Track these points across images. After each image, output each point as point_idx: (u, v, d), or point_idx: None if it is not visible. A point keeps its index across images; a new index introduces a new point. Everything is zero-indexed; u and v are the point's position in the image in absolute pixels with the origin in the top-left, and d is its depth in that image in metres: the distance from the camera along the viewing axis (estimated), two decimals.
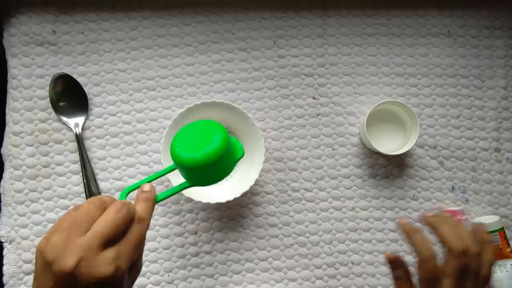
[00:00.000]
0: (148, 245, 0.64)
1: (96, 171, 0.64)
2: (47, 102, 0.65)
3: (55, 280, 0.33)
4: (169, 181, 0.59)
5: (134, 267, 0.38)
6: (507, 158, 0.68)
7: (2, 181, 0.64)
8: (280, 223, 0.66)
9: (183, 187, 0.46)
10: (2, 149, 0.64)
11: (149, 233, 0.64)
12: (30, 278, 0.62)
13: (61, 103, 0.64)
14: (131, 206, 0.37)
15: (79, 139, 0.64)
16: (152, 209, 0.40)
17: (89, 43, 0.66)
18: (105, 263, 0.33)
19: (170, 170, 0.46)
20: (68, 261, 0.33)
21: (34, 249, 0.62)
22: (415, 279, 0.44)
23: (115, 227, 0.35)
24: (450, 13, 0.70)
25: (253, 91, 0.68)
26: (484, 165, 0.68)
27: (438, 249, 0.47)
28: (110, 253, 0.34)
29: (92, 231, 0.34)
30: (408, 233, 0.45)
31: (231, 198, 0.59)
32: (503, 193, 0.67)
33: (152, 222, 0.64)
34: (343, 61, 0.69)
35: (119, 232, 0.35)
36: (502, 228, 0.64)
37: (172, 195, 0.44)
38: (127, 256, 0.35)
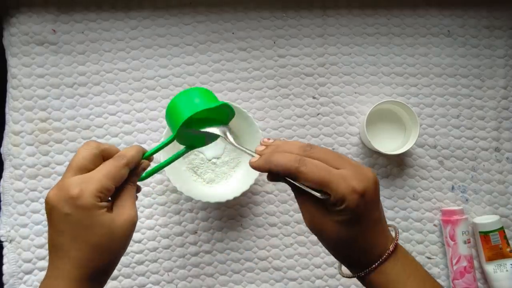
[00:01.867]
0: (148, 244, 0.64)
1: None
2: (47, 102, 0.65)
3: (47, 217, 0.41)
4: (168, 180, 0.59)
5: (121, 208, 0.42)
6: (507, 158, 0.68)
7: (2, 180, 0.64)
8: (280, 222, 0.66)
9: (180, 153, 0.46)
10: (2, 148, 0.64)
11: (149, 233, 0.64)
12: (30, 278, 0.62)
13: None
14: (103, 144, 0.43)
15: None
16: (136, 155, 0.44)
17: (89, 43, 0.66)
18: (71, 185, 0.39)
19: (169, 141, 0.45)
20: (49, 193, 0.40)
21: (34, 249, 0.62)
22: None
23: (82, 158, 0.41)
24: (450, 12, 0.70)
25: (253, 91, 0.68)
26: (484, 165, 0.68)
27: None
28: (77, 178, 0.40)
29: (68, 166, 0.41)
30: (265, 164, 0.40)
31: (231, 197, 0.59)
32: (503, 192, 0.67)
33: (152, 221, 0.64)
34: (343, 61, 0.69)
35: (86, 163, 0.41)
36: (502, 227, 0.64)
37: (170, 162, 0.46)
38: (94, 181, 0.39)
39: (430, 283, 0.41)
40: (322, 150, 0.39)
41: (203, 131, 0.44)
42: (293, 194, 0.66)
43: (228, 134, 0.44)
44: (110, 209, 0.41)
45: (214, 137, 0.46)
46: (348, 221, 0.38)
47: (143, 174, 0.46)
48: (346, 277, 0.43)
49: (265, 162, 0.39)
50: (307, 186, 0.38)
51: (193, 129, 0.44)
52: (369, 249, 0.40)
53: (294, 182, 0.38)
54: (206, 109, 0.43)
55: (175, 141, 0.46)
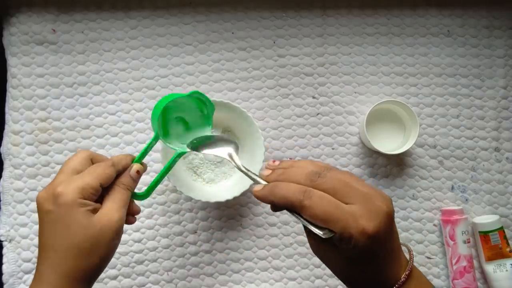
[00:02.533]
0: (147, 244, 0.64)
1: None
2: (46, 101, 0.65)
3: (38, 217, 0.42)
4: (168, 180, 0.59)
5: (105, 210, 0.41)
6: (507, 158, 0.68)
7: (1, 179, 0.64)
8: (279, 222, 0.66)
9: (172, 160, 0.47)
10: (1, 148, 0.64)
11: (148, 232, 0.64)
12: (29, 277, 0.62)
13: None
14: (94, 153, 0.45)
15: None
16: (123, 157, 0.45)
17: (89, 42, 0.66)
18: (57, 183, 0.40)
19: (152, 141, 0.46)
20: (38, 193, 0.42)
21: (33, 248, 0.62)
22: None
23: (73, 161, 0.43)
24: (449, 12, 0.70)
25: (253, 90, 0.68)
26: (483, 165, 0.68)
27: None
28: (64, 177, 0.41)
29: (60, 169, 0.43)
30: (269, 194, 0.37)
31: (230, 197, 0.59)
32: (502, 192, 0.67)
33: (152, 221, 0.64)
34: (343, 61, 0.69)
35: (77, 166, 0.42)
36: (502, 227, 0.64)
37: (166, 171, 0.47)
38: (78, 179, 0.40)
39: None
40: (332, 179, 0.35)
41: (209, 153, 0.45)
42: None
43: (233, 156, 0.43)
44: (96, 210, 0.41)
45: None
46: (358, 259, 0.36)
47: (144, 191, 0.46)
48: None
49: (269, 193, 0.36)
50: (312, 223, 0.35)
51: (201, 151, 0.45)
52: (382, 280, 0.37)
53: (298, 218, 0.35)
54: (182, 107, 0.47)
55: (169, 149, 0.47)
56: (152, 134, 0.63)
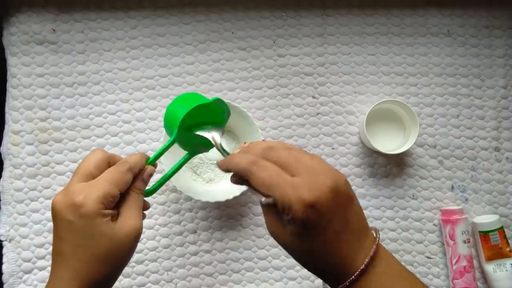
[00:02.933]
0: (147, 244, 0.64)
1: None
2: (46, 101, 0.65)
3: (52, 221, 0.41)
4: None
5: (124, 218, 0.41)
6: (507, 157, 0.68)
7: (1, 179, 0.64)
8: None
9: (183, 160, 0.47)
10: (1, 147, 0.64)
11: (148, 232, 0.64)
12: (29, 277, 0.62)
13: None
14: (108, 153, 0.43)
15: None
16: (139, 160, 0.44)
17: (88, 42, 0.66)
18: (76, 192, 0.39)
19: (170, 144, 0.46)
20: (54, 198, 0.40)
21: (33, 248, 0.62)
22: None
23: (88, 164, 0.41)
24: (449, 12, 0.70)
25: (253, 90, 0.68)
26: (483, 164, 0.68)
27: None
28: (82, 184, 0.40)
29: (75, 171, 0.41)
30: (228, 165, 0.39)
31: (230, 196, 0.59)
32: (502, 192, 0.67)
33: (152, 221, 0.64)
34: (343, 60, 0.69)
35: (91, 169, 0.41)
36: (502, 227, 0.64)
37: (174, 171, 0.47)
38: (98, 188, 0.39)
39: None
40: (283, 153, 0.36)
41: (197, 134, 0.45)
42: None
43: (216, 138, 0.44)
44: (114, 217, 0.41)
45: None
46: (301, 234, 0.35)
47: (150, 188, 0.46)
48: None
49: (226, 162, 0.39)
50: (257, 191, 0.36)
51: (191, 133, 0.45)
52: (338, 263, 0.36)
53: (247, 186, 0.37)
54: (202, 111, 0.44)
55: (177, 150, 0.47)
56: (164, 134, 0.63)
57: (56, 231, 0.41)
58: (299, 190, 0.34)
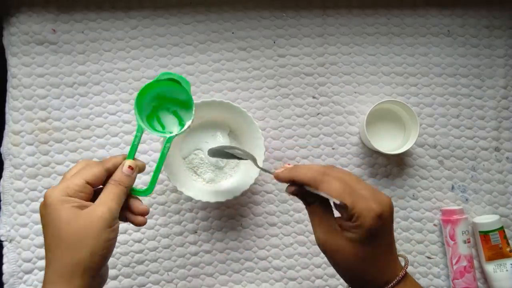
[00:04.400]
0: (147, 244, 0.64)
1: None
2: (47, 101, 0.65)
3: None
4: (168, 180, 0.59)
5: (95, 205, 0.42)
6: (507, 157, 0.68)
7: (2, 180, 0.64)
8: (279, 222, 0.66)
9: (167, 140, 0.49)
10: (2, 147, 0.64)
11: (149, 232, 0.64)
12: (29, 277, 0.62)
13: None
14: (93, 161, 0.46)
15: None
16: (113, 157, 0.47)
17: (89, 42, 0.66)
18: (48, 190, 0.42)
19: (139, 132, 0.48)
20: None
21: (34, 248, 0.62)
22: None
23: (70, 170, 0.45)
24: (449, 12, 0.70)
25: (253, 90, 0.68)
26: (484, 164, 0.68)
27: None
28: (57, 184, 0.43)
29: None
30: (288, 176, 0.43)
31: (231, 197, 0.59)
32: (502, 192, 0.67)
33: (152, 221, 0.64)
34: (343, 60, 0.69)
35: (71, 173, 0.44)
36: (502, 227, 0.64)
37: (160, 164, 0.49)
38: (65, 182, 0.42)
39: None
40: (342, 171, 0.42)
41: (233, 155, 0.51)
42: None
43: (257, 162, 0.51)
44: (85, 207, 0.42)
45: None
46: (362, 240, 0.39)
47: (147, 187, 0.48)
48: None
49: (290, 172, 0.42)
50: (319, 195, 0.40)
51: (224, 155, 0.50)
52: (379, 273, 0.40)
53: (317, 192, 0.40)
54: (161, 90, 0.50)
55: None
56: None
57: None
58: (368, 201, 0.38)
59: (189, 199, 0.65)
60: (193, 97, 0.51)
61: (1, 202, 0.63)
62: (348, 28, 0.69)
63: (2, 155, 0.65)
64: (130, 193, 0.47)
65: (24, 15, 0.65)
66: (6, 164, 0.64)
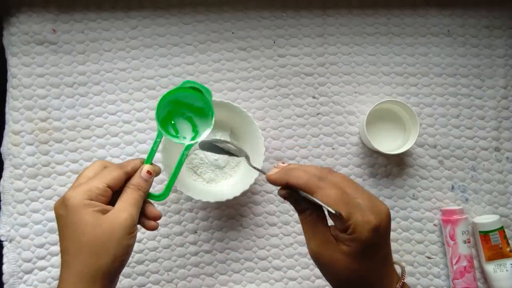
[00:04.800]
0: (147, 244, 0.64)
1: None
2: (47, 101, 0.65)
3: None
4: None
5: (115, 211, 0.42)
6: (507, 157, 0.68)
7: (2, 180, 0.64)
8: (279, 222, 0.66)
9: (186, 147, 0.49)
10: (2, 147, 0.64)
11: (149, 232, 0.64)
12: (29, 277, 0.62)
13: None
14: (110, 163, 0.47)
15: None
16: (132, 161, 0.47)
17: (89, 42, 0.66)
18: (68, 191, 0.42)
19: (158, 138, 0.48)
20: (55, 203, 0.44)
21: (34, 248, 0.62)
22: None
23: (86, 170, 0.45)
24: (449, 12, 0.70)
25: (253, 90, 0.68)
26: (484, 164, 0.68)
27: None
28: (74, 185, 0.43)
29: None
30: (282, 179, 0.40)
31: (231, 197, 0.59)
32: (502, 192, 0.67)
33: None
34: (343, 60, 0.69)
35: (88, 175, 0.44)
36: (502, 227, 0.64)
37: (178, 168, 0.48)
38: (87, 185, 0.42)
39: None
40: (340, 176, 0.39)
41: (225, 150, 0.48)
42: None
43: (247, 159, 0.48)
44: (106, 212, 0.42)
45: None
46: (358, 253, 0.37)
47: (162, 192, 0.48)
48: None
49: (285, 174, 0.39)
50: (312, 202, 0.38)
51: (216, 149, 0.48)
52: (375, 286, 0.38)
53: (311, 197, 0.38)
54: (181, 98, 0.50)
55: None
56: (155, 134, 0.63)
57: (58, 231, 0.42)
58: (365, 212, 0.36)
59: (189, 199, 0.65)
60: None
61: (1, 202, 0.63)
62: (348, 28, 0.69)
63: (2, 155, 0.65)
64: (145, 198, 0.47)
65: (24, 15, 0.65)
66: (6, 164, 0.64)
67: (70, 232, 0.41)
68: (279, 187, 0.41)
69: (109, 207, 0.43)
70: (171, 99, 0.50)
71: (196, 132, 0.51)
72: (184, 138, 0.50)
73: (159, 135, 0.48)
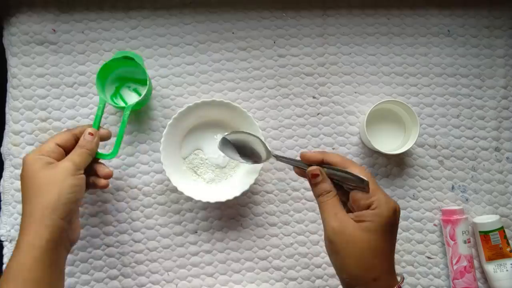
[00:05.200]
0: (148, 244, 0.64)
1: None
2: (47, 101, 0.65)
3: None
4: (168, 180, 0.59)
5: (59, 162, 0.50)
6: (507, 157, 0.68)
7: (2, 180, 0.64)
8: (280, 222, 0.66)
9: (128, 109, 0.57)
10: (2, 148, 0.64)
11: (149, 232, 0.64)
12: None
13: None
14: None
15: None
16: (80, 126, 0.56)
17: (89, 42, 0.66)
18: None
19: (101, 104, 0.56)
20: None
21: None
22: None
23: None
24: (450, 12, 0.70)
25: (253, 90, 0.68)
26: (484, 164, 0.68)
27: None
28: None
29: None
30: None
31: (231, 197, 0.59)
32: (503, 192, 0.67)
33: (152, 221, 0.64)
34: (343, 60, 0.69)
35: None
36: (502, 227, 0.64)
37: (122, 130, 0.57)
38: (39, 146, 0.51)
39: None
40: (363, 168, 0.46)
41: (245, 161, 0.57)
42: (293, 194, 0.66)
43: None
44: (54, 164, 0.49)
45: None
46: (380, 229, 0.40)
47: (111, 151, 0.57)
48: None
49: (320, 153, 0.47)
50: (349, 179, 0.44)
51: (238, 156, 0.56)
52: (386, 272, 0.41)
53: (342, 170, 0.44)
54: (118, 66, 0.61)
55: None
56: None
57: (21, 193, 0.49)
58: (385, 195, 0.42)
59: (189, 199, 0.64)
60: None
61: (1, 202, 0.63)
62: (348, 28, 0.69)
63: (2, 155, 0.65)
64: (96, 159, 0.55)
65: (24, 15, 0.65)
66: (6, 164, 0.64)
67: (25, 182, 0.48)
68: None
69: (57, 162, 0.50)
70: (116, 76, 0.63)
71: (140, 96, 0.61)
72: (126, 104, 0.62)
73: (101, 101, 0.56)
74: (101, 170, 0.55)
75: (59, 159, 0.50)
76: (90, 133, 0.53)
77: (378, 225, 0.40)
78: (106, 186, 0.55)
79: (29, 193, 0.47)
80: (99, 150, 0.56)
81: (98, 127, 0.55)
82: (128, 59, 0.59)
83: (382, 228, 0.40)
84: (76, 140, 0.53)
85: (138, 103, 0.59)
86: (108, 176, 0.55)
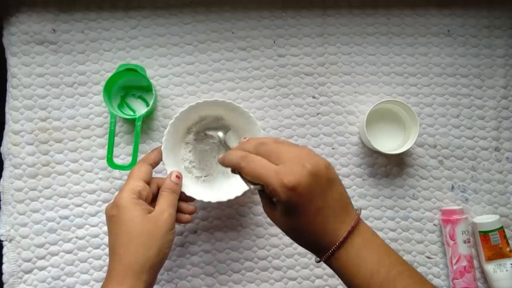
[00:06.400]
0: None
1: (96, 170, 0.65)
2: (47, 101, 0.65)
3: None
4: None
5: (156, 210, 0.51)
6: (507, 157, 0.68)
7: (2, 179, 0.64)
8: None
9: (138, 119, 0.61)
10: (2, 147, 0.64)
11: None
12: (29, 277, 0.62)
13: None
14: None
15: None
16: (155, 154, 0.57)
17: (89, 42, 0.66)
18: (118, 194, 0.51)
19: (112, 119, 0.60)
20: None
21: (33, 248, 0.63)
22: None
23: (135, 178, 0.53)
24: (450, 12, 0.70)
25: (253, 90, 0.68)
26: (483, 164, 0.68)
27: None
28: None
29: None
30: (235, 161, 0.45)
31: (231, 196, 0.59)
32: (502, 192, 0.67)
33: None
34: (343, 60, 0.69)
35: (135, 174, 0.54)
36: (502, 227, 0.64)
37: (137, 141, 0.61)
38: (128, 185, 0.51)
39: (392, 259, 0.41)
40: (272, 146, 0.42)
41: (208, 134, 0.60)
42: None
43: (220, 136, 0.58)
44: (150, 212, 0.50)
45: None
46: (286, 212, 0.40)
47: (130, 162, 0.61)
48: (316, 261, 0.44)
49: (223, 158, 0.46)
50: (249, 180, 0.43)
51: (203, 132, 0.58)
52: (321, 236, 0.41)
53: (241, 177, 0.44)
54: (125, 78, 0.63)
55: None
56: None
57: (108, 231, 0.49)
58: (281, 176, 0.39)
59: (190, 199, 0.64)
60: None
61: (1, 201, 0.63)
62: (348, 28, 0.69)
63: (2, 155, 0.65)
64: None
65: (24, 15, 0.65)
66: (6, 163, 0.64)
67: (122, 227, 0.48)
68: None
69: (152, 208, 0.50)
70: (120, 86, 0.64)
71: (148, 106, 0.64)
72: (134, 112, 0.65)
73: (112, 116, 0.59)
74: (185, 207, 0.56)
75: (148, 198, 0.52)
76: (177, 176, 0.54)
77: (282, 210, 0.40)
78: (189, 220, 0.56)
79: (128, 238, 0.47)
80: (117, 162, 0.60)
81: (113, 141, 0.60)
82: (131, 70, 0.61)
83: (287, 211, 0.40)
84: (153, 168, 0.56)
85: (147, 112, 0.62)
86: (192, 213, 0.57)
